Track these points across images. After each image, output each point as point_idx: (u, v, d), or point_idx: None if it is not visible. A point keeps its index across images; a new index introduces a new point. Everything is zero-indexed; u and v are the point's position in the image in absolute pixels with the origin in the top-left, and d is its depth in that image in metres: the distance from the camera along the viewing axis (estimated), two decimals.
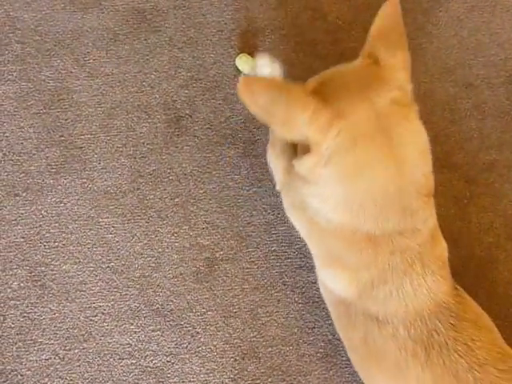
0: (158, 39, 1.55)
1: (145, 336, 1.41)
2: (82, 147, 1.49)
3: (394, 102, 1.04)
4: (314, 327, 1.42)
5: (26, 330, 1.40)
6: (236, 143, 1.51)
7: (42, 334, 1.40)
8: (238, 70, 1.53)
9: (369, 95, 1.03)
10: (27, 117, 1.50)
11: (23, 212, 1.46)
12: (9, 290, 1.42)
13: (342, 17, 1.57)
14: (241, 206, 1.48)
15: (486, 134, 1.54)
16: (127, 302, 1.42)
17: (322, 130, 1.01)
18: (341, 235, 1.12)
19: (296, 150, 1.23)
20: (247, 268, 1.45)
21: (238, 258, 1.45)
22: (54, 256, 1.44)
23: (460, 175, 1.51)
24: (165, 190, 1.48)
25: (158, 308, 1.42)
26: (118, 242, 1.45)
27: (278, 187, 1.36)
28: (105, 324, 1.41)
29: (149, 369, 1.40)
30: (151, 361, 1.40)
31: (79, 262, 1.44)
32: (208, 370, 1.40)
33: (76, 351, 1.40)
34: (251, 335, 1.42)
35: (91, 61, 1.53)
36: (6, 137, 1.49)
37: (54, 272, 1.43)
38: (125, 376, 1.39)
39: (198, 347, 1.41)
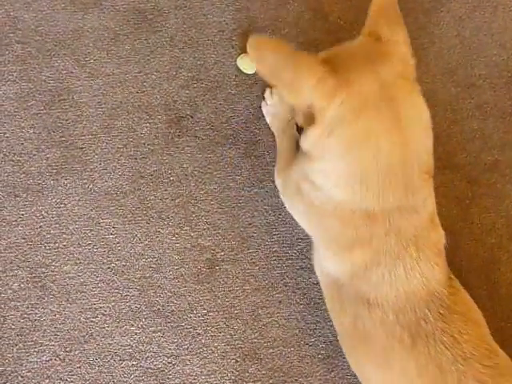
0: (158, 39, 1.55)
1: (145, 337, 1.41)
2: (82, 148, 1.49)
3: (398, 76, 1.05)
4: (316, 328, 1.42)
5: (27, 331, 1.40)
6: (237, 144, 1.51)
7: (43, 336, 1.40)
8: (239, 70, 1.53)
9: (375, 68, 1.04)
10: (28, 117, 1.50)
11: (24, 213, 1.45)
12: (9, 291, 1.42)
13: (344, 17, 1.57)
14: (242, 207, 1.48)
15: (488, 135, 1.54)
16: (128, 303, 1.42)
17: (327, 96, 1.01)
18: (339, 215, 1.11)
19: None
20: (248, 269, 1.45)
21: (239, 258, 1.45)
22: (54, 257, 1.44)
23: (462, 176, 1.51)
24: (166, 190, 1.48)
25: (158, 309, 1.42)
26: (118, 242, 1.45)
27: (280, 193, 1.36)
28: (105, 325, 1.41)
29: (150, 370, 1.40)
30: (152, 362, 1.40)
31: (80, 262, 1.44)
32: (209, 371, 1.40)
33: (76, 352, 1.39)
34: (252, 336, 1.42)
35: (92, 61, 1.53)
36: (7, 137, 1.49)
37: (55, 273, 1.43)
38: (125, 377, 1.39)
39: (199, 348, 1.41)
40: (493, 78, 1.57)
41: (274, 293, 1.44)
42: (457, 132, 1.54)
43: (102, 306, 1.42)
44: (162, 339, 1.41)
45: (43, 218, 1.45)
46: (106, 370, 1.39)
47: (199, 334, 1.41)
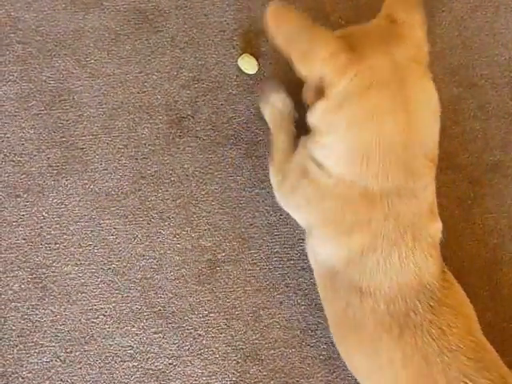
0: (159, 39, 1.55)
1: (146, 338, 1.40)
2: (83, 148, 1.49)
3: (411, 59, 1.06)
4: (317, 329, 1.42)
5: (27, 332, 1.40)
6: (238, 144, 1.50)
7: (43, 337, 1.40)
8: (240, 70, 1.53)
9: (389, 49, 1.05)
10: (28, 118, 1.50)
11: (24, 213, 1.45)
12: (10, 292, 1.42)
13: (345, 17, 1.57)
14: (243, 208, 1.47)
15: (490, 135, 1.54)
16: (128, 304, 1.42)
17: (339, 69, 1.03)
18: (339, 193, 1.12)
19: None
20: (249, 270, 1.44)
21: (240, 259, 1.45)
22: (55, 258, 1.43)
23: (464, 176, 1.51)
24: (166, 191, 1.47)
25: (159, 310, 1.42)
26: (119, 243, 1.45)
27: (276, 194, 1.36)
28: (106, 326, 1.41)
29: (150, 371, 1.39)
30: (153, 363, 1.39)
31: (80, 263, 1.43)
32: (210, 372, 1.40)
33: (77, 354, 1.39)
34: (253, 337, 1.41)
35: (92, 61, 1.53)
36: (7, 138, 1.48)
37: (55, 274, 1.43)
38: (126, 379, 1.39)
39: (200, 349, 1.40)
40: (495, 78, 1.57)
41: (276, 294, 1.43)
42: (458, 132, 1.53)
43: (102, 306, 1.42)
44: (163, 340, 1.40)
45: (44, 218, 1.45)
46: (106, 371, 1.39)
47: (200, 334, 1.41)
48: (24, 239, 1.44)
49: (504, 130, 1.54)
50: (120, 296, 1.42)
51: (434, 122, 1.11)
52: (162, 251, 1.45)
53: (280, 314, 1.43)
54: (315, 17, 1.56)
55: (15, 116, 1.50)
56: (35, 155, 1.48)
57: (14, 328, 1.40)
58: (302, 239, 1.44)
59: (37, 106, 1.50)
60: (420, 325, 1.10)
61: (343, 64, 1.02)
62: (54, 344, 1.39)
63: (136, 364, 1.40)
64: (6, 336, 1.39)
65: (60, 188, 1.46)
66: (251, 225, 1.46)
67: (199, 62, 1.54)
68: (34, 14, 1.55)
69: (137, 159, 1.49)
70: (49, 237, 1.44)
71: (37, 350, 1.39)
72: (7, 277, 1.42)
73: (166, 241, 1.45)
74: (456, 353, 1.08)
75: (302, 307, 1.43)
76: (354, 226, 1.13)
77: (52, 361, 1.39)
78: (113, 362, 1.39)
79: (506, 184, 1.51)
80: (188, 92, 1.52)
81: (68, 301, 1.41)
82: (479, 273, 1.46)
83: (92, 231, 1.45)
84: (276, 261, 1.45)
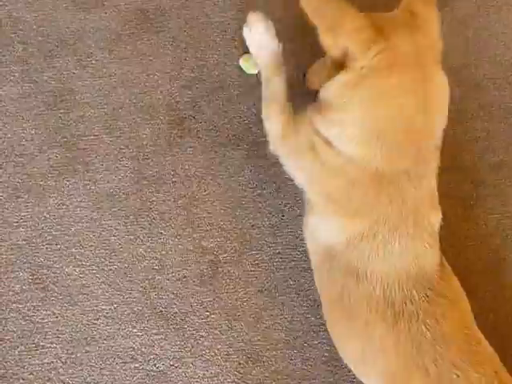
0: (161, 40, 1.54)
1: (148, 339, 1.40)
2: (84, 149, 1.48)
3: (431, 49, 1.08)
4: (319, 331, 1.41)
5: (28, 334, 1.39)
6: (240, 145, 1.50)
7: (45, 338, 1.39)
8: (241, 70, 1.52)
9: (411, 34, 1.07)
10: (29, 118, 1.49)
11: (25, 214, 1.45)
12: (11, 293, 1.41)
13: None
14: (245, 208, 1.47)
15: (492, 135, 1.54)
16: (130, 305, 1.41)
17: (364, 44, 1.03)
18: (347, 174, 1.12)
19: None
20: (251, 271, 1.44)
21: (241, 260, 1.44)
22: (56, 258, 1.43)
23: (466, 176, 1.50)
24: (168, 191, 1.47)
25: (161, 311, 1.41)
26: (120, 244, 1.44)
27: (272, 146, 1.31)
28: (107, 327, 1.40)
29: (152, 373, 1.39)
30: (154, 364, 1.39)
31: (82, 264, 1.43)
32: (212, 373, 1.39)
33: (78, 355, 1.39)
34: (255, 339, 1.41)
35: (94, 61, 1.52)
36: (8, 138, 1.48)
37: (57, 275, 1.42)
38: (128, 380, 1.38)
39: (202, 351, 1.40)
40: (497, 78, 1.57)
41: (277, 295, 1.43)
42: (461, 133, 1.53)
43: (104, 307, 1.41)
44: (165, 341, 1.40)
45: (45, 219, 1.45)
46: (107, 373, 1.39)
47: (202, 336, 1.41)
48: (25, 240, 1.44)
49: (507, 130, 1.54)
50: (121, 297, 1.42)
51: (446, 112, 1.12)
52: (163, 252, 1.44)
53: (282, 315, 1.42)
54: None
55: (16, 116, 1.49)
56: (36, 156, 1.47)
57: (15, 329, 1.40)
58: (304, 241, 1.44)
59: (38, 107, 1.50)
60: (415, 313, 1.10)
61: (369, 39, 1.03)
62: (55, 345, 1.39)
63: (137, 365, 1.39)
64: (7, 337, 1.39)
65: (61, 189, 1.46)
66: (253, 226, 1.46)
67: (200, 63, 1.54)
68: (34, 15, 1.54)
69: (138, 160, 1.49)
70: (50, 237, 1.44)
71: (38, 352, 1.39)
72: (8, 278, 1.42)
73: (167, 242, 1.45)
74: (449, 344, 1.09)
75: (304, 308, 1.43)
76: (358, 208, 1.13)
77: (53, 362, 1.39)
78: (114, 364, 1.39)
79: (508, 184, 1.51)
80: (189, 92, 1.52)
81: (69, 302, 1.41)
82: (482, 273, 1.46)
83: (93, 232, 1.45)
84: (278, 262, 1.45)
